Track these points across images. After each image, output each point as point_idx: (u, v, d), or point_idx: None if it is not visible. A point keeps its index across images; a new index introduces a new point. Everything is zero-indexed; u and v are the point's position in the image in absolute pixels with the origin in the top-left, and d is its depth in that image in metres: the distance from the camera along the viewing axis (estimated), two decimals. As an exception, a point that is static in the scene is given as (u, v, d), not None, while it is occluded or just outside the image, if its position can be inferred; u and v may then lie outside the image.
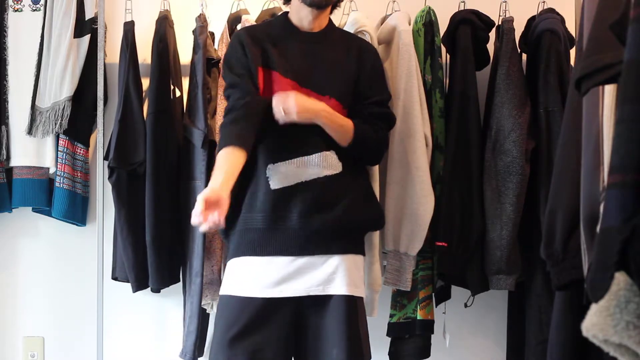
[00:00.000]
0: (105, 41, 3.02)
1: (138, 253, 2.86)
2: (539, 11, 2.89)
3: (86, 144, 3.06)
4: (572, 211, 1.79)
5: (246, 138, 2.19)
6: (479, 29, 2.80)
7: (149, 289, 2.90)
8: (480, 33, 2.81)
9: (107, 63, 3.02)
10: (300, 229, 2.23)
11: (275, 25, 2.42)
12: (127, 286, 2.92)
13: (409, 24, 2.77)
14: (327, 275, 2.24)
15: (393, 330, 2.78)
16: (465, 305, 2.82)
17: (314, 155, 2.25)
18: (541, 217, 2.57)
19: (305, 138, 2.26)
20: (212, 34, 2.95)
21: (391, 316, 2.78)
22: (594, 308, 1.23)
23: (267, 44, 2.33)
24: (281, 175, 2.24)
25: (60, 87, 2.97)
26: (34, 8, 3.05)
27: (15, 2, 3.05)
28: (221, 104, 2.71)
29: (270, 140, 2.26)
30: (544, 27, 2.74)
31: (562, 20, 2.82)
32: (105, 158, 2.92)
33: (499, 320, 3.03)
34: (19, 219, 3.15)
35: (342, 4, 2.46)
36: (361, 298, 2.31)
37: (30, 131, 2.98)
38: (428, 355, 2.80)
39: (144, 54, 2.99)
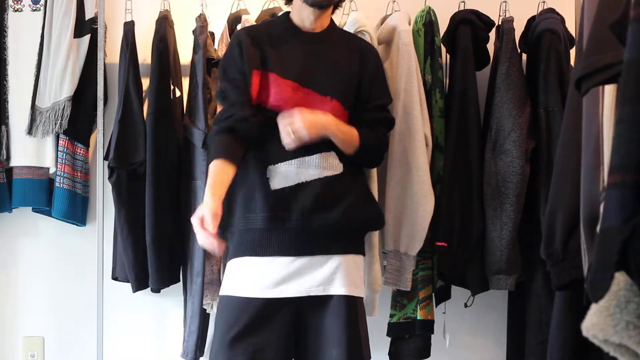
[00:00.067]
0: (105, 41, 3.02)
1: (138, 253, 2.86)
2: (539, 11, 2.89)
3: (86, 144, 3.06)
4: (572, 211, 1.79)
5: (236, 152, 2.22)
6: (479, 29, 2.80)
7: (149, 289, 2.90)
8: (480, 33, 2.80)
9: (107, 63, 3.02)
10: (300, 230, 2.23)
11: (276, 25, 2.42)
12: (127, 286, 2.92)
13: (409, 24, 2.77)
14: (327, 275, 2.24)
15: (393, 330, 2.78)
16: (465, 305, 2.82)
17: (314, 155, 2.25)
18: (541, 217, 2.57)
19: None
20: (212, 34, 2.95)
21: (391, 316, 2.79)
22: (594, 308, 1.23)
23: (266, 45, 2.32)
24: (281, 175, 2.24)
25: (60, 87, 2.97)
26: (34, 8, 3.05)
27: (15, 2, 3.05)
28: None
29: (271, 140, 2.25)
30: (544, 27, 2.74)
31: (562, 20, 2.82)
32: (105, 158, 2.92)
33: (499, 320, 3.03)
34: (19, 219, 3.15)
35: (343, 3, 2.46)
36: (361, 298, 2.31)
37: (30, 131, 2.98)
38: (428, 355, 2.80)
39: (144, 54, 2.99)
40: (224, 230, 2.24)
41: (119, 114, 2.88)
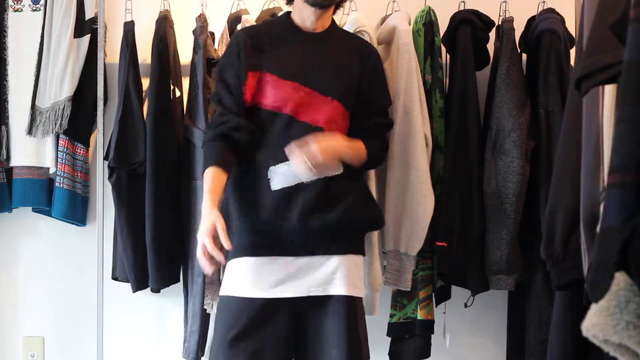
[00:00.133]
0: (105, 41, 3.01)
1: (138, 253, 2.86)
2: (539, 11, 2.89)
3: (86, 144, 3.06)
4: (572, 211, 1.79)
5: (230, 159, 2.23)
6: (479, 29, 2.80)
7: (149, 289, 2.90)
8: (480, 33, 2.80)
9: (107, 63, 3.02)
10: (300, 230, 2.23)
11: (277, 25, 2.42)
12: (127, 286, 2.92)
13: (409, 24, 2.77)
14: (327, 275, 2.24)
15: (393, 330, 2.78)
16: (465, 305, 2.82)
17: (314, 156, 2.25)
18: (541, 217, 2.57)
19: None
20: (212, 34, 2.95)
21: (391, 316, 2.79)
22: (594, 308, 1.23)
23: (266, 45, 2.32)
24: (282, 176, 2.24)
25: (60, 87, 2.97)
26: (34, 8, 3.05)
27: (15, 2, 3.05)
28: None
29: (271, 141, 2.25)
30: (544, 27, 2.74)
31: (562, 20, 2.82)
32: (105, 158, 2.92)
33: (499, 320, 3.03)
34: (19, 219, 3.15)
35: (344, 3, 2.46)
36: (361, 298, 2.31)
37: (30, 131, 2.98)
38: (428, 355, 2.80)
39: (144, 54, 2.99)
40: None
41: (119, 114, 2.88)
